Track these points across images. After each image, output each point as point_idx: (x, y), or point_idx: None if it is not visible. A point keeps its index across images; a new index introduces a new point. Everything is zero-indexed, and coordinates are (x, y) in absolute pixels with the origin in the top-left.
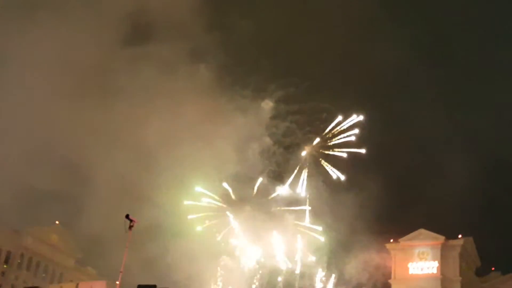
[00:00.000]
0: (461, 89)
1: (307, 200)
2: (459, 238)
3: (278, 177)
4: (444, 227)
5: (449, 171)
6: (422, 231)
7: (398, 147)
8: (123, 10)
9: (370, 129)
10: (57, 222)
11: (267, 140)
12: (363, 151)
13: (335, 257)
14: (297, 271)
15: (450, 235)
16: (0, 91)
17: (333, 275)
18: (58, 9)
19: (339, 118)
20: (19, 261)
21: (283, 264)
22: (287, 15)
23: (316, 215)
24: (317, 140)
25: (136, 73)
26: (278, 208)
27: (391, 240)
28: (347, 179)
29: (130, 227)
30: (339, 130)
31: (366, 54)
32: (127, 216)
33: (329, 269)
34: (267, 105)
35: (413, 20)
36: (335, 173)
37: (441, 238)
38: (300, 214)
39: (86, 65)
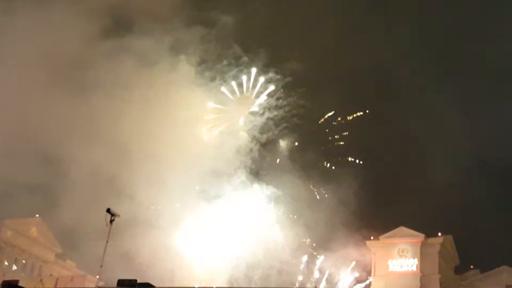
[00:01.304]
0: (444, 87)
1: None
2: (439, 236)
3: (256, 174)
4: (424, 225)
5: (430, 169)
6: (402, 228)
7: (380, 144)
8: (104, 2)
9: (352, 126)
10: (37, 215)
11: (244, 136)
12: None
13: (314, 254)
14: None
15: (430, 233)
16: None
17: (313, 272)
18: None
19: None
20: None
21: (261, 259)
22: (270, 10)
23: (295, 211)
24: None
25: (114, 66)
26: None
27: (372, 237)
28: (327, 175)
29: (111, 221)
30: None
31: (353, 52)
32: (108, 210)
33: (308, 266)
34: (246, 100)
35: (407, 18)
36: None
37: (421, 236)
38: (280, 211)
39: (64, 57)
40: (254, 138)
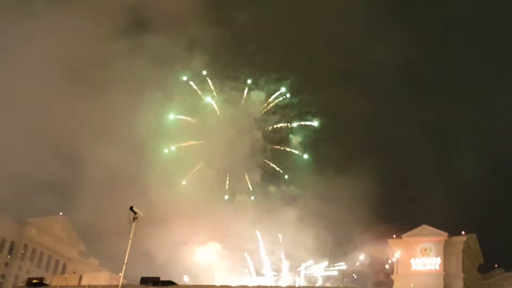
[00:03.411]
0: (465, 87)
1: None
2: (462, 234)
3: (270, 172)
4: (447, 224)
5: (453, 168)
6: (425, 227)
7: (402, 143)
8: (123, 2)
9: (374, 125)
10: (60, 213)
11: (258, 134)
12: None
13: (337, 253)
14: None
15: (453, 231)
16: None
17: (335, 271)
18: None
19: None
20: (22, 251)
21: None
22: (285, 9)
23: (317, 210)
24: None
25: (131, 64)
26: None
27: (394, 236)
28: (350, 175)
29: (134, 219)
30: None
31: (366, 50)
32: (131, 208)
33: (330, 265)
34: (258, 97)
35: (414, 18)
36: None
37: (444, 235)
38: (299, 211)
39: (83, 56)
40: (267, 136)
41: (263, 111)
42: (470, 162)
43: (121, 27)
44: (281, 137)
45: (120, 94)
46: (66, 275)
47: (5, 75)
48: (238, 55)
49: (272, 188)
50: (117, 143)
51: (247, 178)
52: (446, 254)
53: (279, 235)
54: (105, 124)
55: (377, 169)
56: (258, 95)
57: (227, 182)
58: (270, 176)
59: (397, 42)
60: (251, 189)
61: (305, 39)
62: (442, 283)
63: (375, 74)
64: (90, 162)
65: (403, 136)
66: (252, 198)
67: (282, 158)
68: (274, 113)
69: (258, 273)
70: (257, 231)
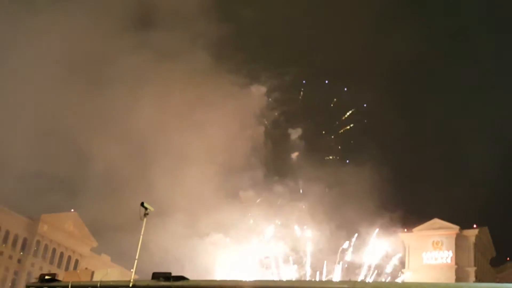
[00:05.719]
0: (478, 81)
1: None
2: (474, 228)
3: (274, 168)
4: (459, 217)
5: (465, 161)
6: (437, 220)
7: (413, 136)
8: None
9: (386, 118)
10: (72, 209)
11: (258, 130)
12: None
13: (346, 247)
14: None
15: (465, 224)
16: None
17: (346, 265)
18: None
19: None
20: (35, 248)
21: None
22: (290, 5)
23: (325, 204)
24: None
25: (135, 60)
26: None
27: (405, 230)
28: (361, 169)
29: (145, 214)
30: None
31: (371, 44)
32: (142, 204)
33: (340, 258)
34: (259, 91)
35: (427, 12)
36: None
37: (456, 228)
38: (306, 206)
39: (93, 53)
40: (267, 133)
41: (264, 106)
42: (482, 155)
43: (125, 23)
44: (282, 132)
45: (128, 91)
46: (78, 271)
47: (14, 74)
48: (241, 50)
49: (275, 182)
50: (126, 139)
51: (250, 173)
52: (458, 248)
53: (278, 221)
54: (113, 121)
55: (388, 163)
56: (258, 88)
57: (230, 178)
58: (273, 171)
59: (404, 37)
60: (254, 184)
61: (310, 34)
62: (454, 277)
63: (381, 67)
64: (101, 159)
65: (415, 130)
66: (256, 193)
67: (286, 152)
68: (274, 108)
69: (263, 266)
70: (262, 225)
